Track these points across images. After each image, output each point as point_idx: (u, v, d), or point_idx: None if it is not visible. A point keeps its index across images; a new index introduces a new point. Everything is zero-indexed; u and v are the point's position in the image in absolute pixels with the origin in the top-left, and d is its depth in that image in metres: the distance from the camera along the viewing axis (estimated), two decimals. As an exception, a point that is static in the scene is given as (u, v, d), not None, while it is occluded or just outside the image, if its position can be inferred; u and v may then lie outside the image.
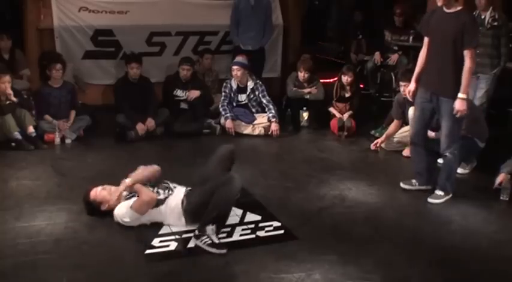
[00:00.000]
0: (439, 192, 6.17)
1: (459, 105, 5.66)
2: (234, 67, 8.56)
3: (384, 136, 7.72)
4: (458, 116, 5.73)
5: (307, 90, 8.90)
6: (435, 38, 5.92)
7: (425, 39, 6.10)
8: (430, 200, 6.14)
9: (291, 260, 4.79)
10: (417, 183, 6.42)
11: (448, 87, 5.76)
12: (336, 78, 8.94)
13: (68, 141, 7.84)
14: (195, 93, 8.48)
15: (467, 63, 5.62)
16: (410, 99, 6.35)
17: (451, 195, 6.18)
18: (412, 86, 6.22)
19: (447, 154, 6.02)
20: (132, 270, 4.61)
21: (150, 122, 8.07)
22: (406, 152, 7.46)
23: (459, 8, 5.73)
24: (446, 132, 5.93)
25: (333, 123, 8.60)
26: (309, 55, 9.78)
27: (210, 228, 4.90)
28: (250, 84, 8.68)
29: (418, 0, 10.60)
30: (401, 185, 6.47)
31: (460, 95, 5.65)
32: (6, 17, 9.74)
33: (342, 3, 12.29)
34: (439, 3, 5.76)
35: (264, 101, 8.67)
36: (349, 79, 8.71)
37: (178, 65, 8.63)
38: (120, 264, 4.68)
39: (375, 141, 7.69)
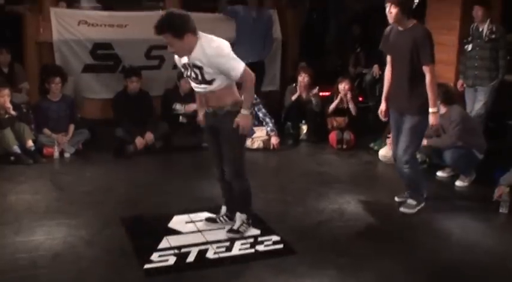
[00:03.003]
0: (411, 202, 6.20)
1: (432, 119, 5.69)
2: None
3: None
4: (434, 130, 5.89)
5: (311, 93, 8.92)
6: (393, 55, 5.95)
7: (388, 57, 6.10)
8: (402, 209, 6.18)
9: (290, 275, 4.78)
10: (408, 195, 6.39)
11: (409, 104, 5.78)
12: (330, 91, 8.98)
13: (66, 155, 7.86)
14: (193, 106, 8.49)
15: (428, 78, 5.60)
16: (383, 120, 6.35)
17: (423, 203, 6.21)
18: (382, 105, 6.23)
19: (406, 170, 6.00)
20: (131, 285, 4.61)
21: (149, 136, 8.08)
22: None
23: (411, 24, 5.70)
24: (405, 146, 5.90)
25: (332, 137, 8.61)
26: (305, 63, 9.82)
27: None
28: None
29: (417, 13, 10.63)
30: (396, 199, 6.46)
31: (430, 109, 5.65)
32: (5, 31, 9.74)
33: (340, 17, 12.31)
34: (390, 21, 5.75)
35: (260, 115, 8.68)
36: (347, 86, 8.72)
37: (178, 79, 8.62)
38: (119, 279, 4.68)
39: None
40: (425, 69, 5.60)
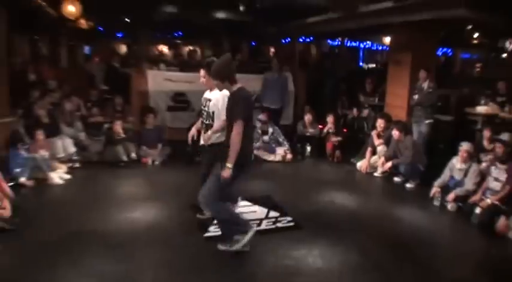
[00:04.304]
0: (222, 245, 4.59)
1: (224, 173, 4.21)
2: (257, 121, 8.68)
3: (366, 162, 7.69)
4: (222, 181, 4.25)
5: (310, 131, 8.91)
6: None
7: None
8: (218, 246, 4.60)
9: (299, 242, 4.81)
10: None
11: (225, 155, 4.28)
12: (323, 125, 8.97)
13: (156, 163, 7.92)
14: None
15: (234, 132, 4.20)
16: None
17: (246, 239, 4.48)
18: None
19: (212, 213, 4.56)
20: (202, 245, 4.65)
21: None
22: (377, 173, 7.46)
23: (236, 88, 4.37)
24: (206, 192, 4.38)
25: (329, 145, 8.60)
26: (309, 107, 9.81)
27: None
28: (270, 130, 8.70)
29: (381, 74, 10.60)
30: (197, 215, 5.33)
31: (227, 164, 4.19)
32: (120, 84, 9.94)
33: (332, 78, 12.25)
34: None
35: (280, 140, 8.69)
36: (331, 119, 8.74)
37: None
38: (188, 242, 4.73)
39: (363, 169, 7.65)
40: (235, 124, 4.22)
